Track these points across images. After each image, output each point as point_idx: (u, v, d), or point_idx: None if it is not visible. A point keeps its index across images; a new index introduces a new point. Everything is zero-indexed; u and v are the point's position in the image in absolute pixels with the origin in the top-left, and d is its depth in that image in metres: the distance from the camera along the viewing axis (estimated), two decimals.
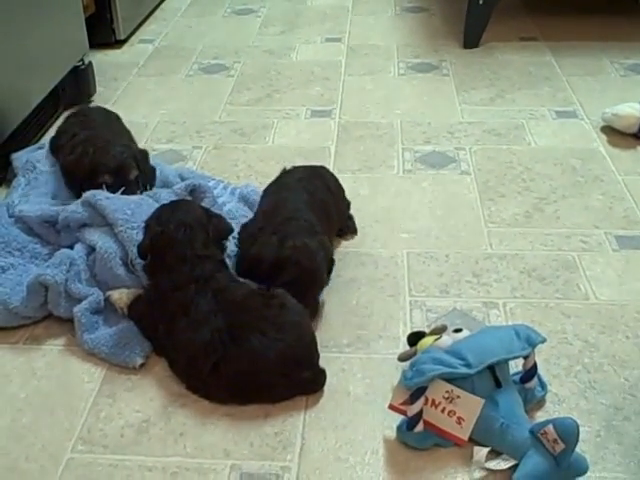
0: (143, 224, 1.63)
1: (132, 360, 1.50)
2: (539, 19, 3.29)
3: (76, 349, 1.57)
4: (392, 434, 1.35)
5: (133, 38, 3.25)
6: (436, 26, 3.30)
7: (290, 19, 3.44)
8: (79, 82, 2.61)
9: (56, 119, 2.51)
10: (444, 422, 1.31)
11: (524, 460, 1.26)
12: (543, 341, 1.39)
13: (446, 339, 1.40)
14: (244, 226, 1.76)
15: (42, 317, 1.65)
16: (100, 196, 1.73)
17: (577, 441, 1.22)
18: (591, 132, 2.39)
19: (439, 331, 1.44)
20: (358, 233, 1.91)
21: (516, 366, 1.43)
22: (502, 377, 1.35)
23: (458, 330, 1.43)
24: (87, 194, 1.75)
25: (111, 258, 1.64)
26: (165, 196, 1.82)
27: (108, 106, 2.48)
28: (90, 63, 2.65)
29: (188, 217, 1.57)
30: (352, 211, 1.95)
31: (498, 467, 1.27)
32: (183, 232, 1.54)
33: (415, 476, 1.29)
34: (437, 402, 1.30)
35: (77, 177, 1.91)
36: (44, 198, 1.90)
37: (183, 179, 2.03)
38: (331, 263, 1.69)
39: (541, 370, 1.44)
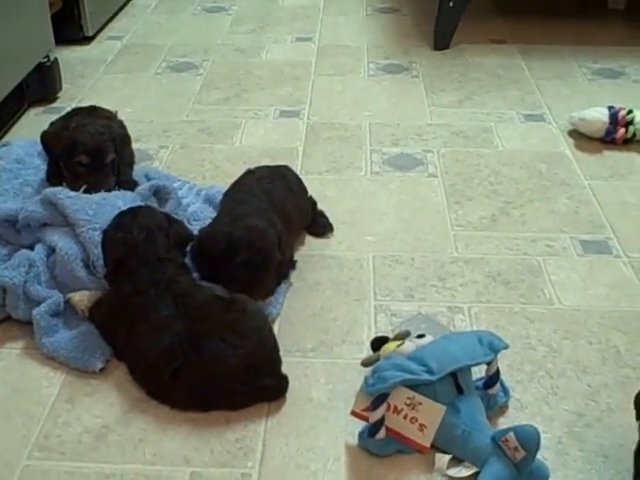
0: (101, 234, 1.60)
1: (92, 364, 1.48)
2: (509, 22, 3.30)
3: (35, 352, 1.54)
4: (354, 441, 1.34)
5: (101, 34, 3.21)
6: (407, 27, 3.30)
7: (261, 18, 3.42)
8: (44, 79, 2.57)
9: (20, 116, 2.47)
10: (406, 429, 1.30)
11: (485, 467, 1.25)
12: (506, 347, 1.39)
13: (409, 345, 1.39)
14: (200, 231, 1.73)
15: None
16: (61, 194, 1.70)
17: (538, 448, 1.22)
18: (558, 136, 2.40)
19: (402, 336, 1.43)
20: (323, 236, 1.90)
21: (479, 372, 1.43)
22: (464, 384, 1.34)
23: (421, 336, 1.42)
24: (48, 192, 1.72)
25: (72, 260, 1.61)
26: (129, 197, 1.79)
27: (74, 104, 2.46)
28: (56, 60, 2.60)
29: (149, 221, 1.55)
30: None
31: (459, 474, 1.27)
32: (145, 236, 1.52)
33: None
34: (399, 409, 1.30)
35: (54, 151, 1.90)
36: (6, 196, 1.86)
37: (149, 179, 2.00)
38: (291, 262, 1.72)
39: (504, 375, 1.44)
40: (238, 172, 1.92)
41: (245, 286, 1.56)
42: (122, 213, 1.61)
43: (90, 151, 1.84)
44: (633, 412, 1.28)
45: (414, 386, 1.29)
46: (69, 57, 2.93)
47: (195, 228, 1.76)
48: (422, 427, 1.29)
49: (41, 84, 2.56)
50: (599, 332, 1.61)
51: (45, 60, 2.55)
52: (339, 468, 1.30)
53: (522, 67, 2.88)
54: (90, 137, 1.86)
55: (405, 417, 1.29)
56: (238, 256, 1.57)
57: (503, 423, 1.38)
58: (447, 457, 1.29)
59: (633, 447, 1.26)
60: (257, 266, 1.58)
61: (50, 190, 1.73)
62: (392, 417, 1.30)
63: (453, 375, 1.33)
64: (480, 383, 1.40)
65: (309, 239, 1.90)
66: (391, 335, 1.49)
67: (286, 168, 1.94)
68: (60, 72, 2.63)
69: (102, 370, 1.49)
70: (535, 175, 2.19)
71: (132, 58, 2.99)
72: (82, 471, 1.29)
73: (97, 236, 1.62)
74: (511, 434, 1.22)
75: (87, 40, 3.11)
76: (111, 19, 3.35)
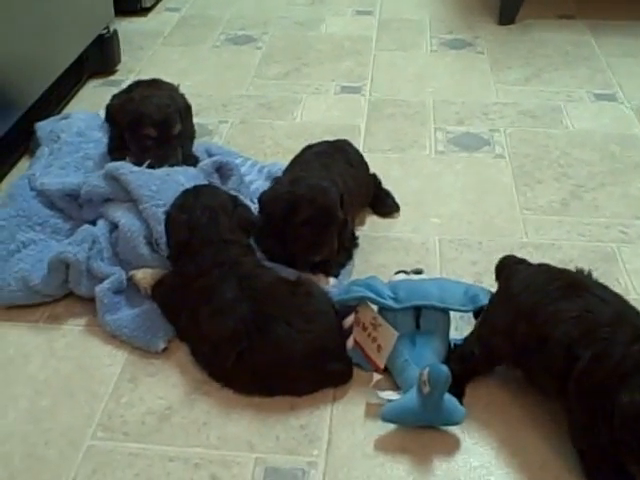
0: (164, 214, 1.57)
1: (155, 344, 1.46)
2: None
3: (97, 330, 1.53)
4: (423, 431, 1.30)
5: (159, 6, 3.18)
6: (471, 1, 3.20)
7: None
8: (104, 51, 2.55)
9: (79, 89, 2.45)
10: (368, 346, 1.39)
11: (402, 395, 1.30)
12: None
13: (401, 276, 1.49)
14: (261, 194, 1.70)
15: (63, 295, 1.60)
16: (124, 169, 1.68)
17: (443, 387, 1.24)
18: (631, 116, 2.30)
19: (414, 272, 1.53)
20: (389, 217, 1.85)
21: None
22: (425, 321, 1.40)
23: (419, 272, 1.52)
24: (110, 166, 1.70)
25: (135, 236, 1.59)
26: (191, 173, 1.76)
27: (132, 76, 2.43)
28: (115, 31, 2.58)
29: (213, 202, 1.52)
30: None
31: (387, 397, 1.31)
32: (208, 217, 1.48)
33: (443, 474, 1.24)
34: (365, 326, 1.40)
35: (120, 124, 1.87)
36: (67, 170, 1.85)
37: (210, 155, 1.98)
38: (353, 237, 1.71)
39: None
40: (299, 149, 1.88)
41: (308, 245, 1.56)
42: (185, 192, 1.57)
43: (157, 123, 1.82)
44: None
45: (382, 309, 1.40)
46: (127, 29, 2.90)
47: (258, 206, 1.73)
48: (379, 348, 1.38)
49: (100, 56, 2.54)
50: None
51: (105, 32, 2.53)
52: (406, 460, 1.26)
53: (592, 44, 2.77)
54: (156, 109, 1.83)
55: (369, 335, 1.39)
56: (300, 214, 1.55)
57: None
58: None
59: None
60: (319, 224, 1.55)
61: (113, 165, 1.71)
62: (359, 332, 1.41)
63: (417, 310, 1.39)
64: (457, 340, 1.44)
65: (373, 220, 1.85)
66: None
67: (346, 142, 1.89)
68: (119, 44, 2.61)
69: (164, 350, 1.47)
70: (607, 157, 2.10)
71: (190, 30, 2.95)
72: (146, 453, 1.28)
73: (160, 213, 1.59)
74: (426, 369, 1.25)
75: (145, 11, 3.09)
76: None
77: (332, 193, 1.59)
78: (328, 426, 1.32)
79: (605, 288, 1.32)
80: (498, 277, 1.44)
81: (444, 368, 1.25)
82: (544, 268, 1.38)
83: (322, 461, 1.26)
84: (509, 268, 1.41)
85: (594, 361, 1.18)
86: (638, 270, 1.68)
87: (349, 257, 1.68)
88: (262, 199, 1.63)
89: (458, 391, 1.32)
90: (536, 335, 1.25)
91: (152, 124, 1.82)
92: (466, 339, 1.40)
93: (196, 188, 1.60)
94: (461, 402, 1.31)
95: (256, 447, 1.28)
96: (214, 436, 1.30)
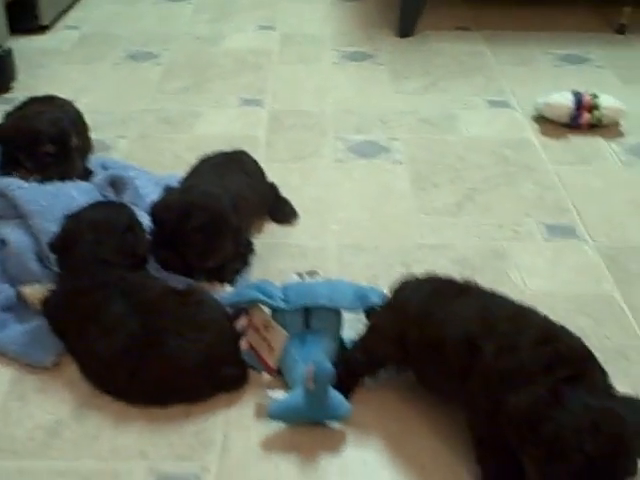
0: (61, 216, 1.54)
1: (44, 360, 1.42)
2: (474, 8, 3.27)
3: None
4: (314, 428, 1.30)
5: (59, 24, 3.13)
6: (371, 14, 3.26)
7: (222, 6, 3.35)
8: None
9: None
10: (261, 347, 1.41)
11: (289, 392, 1.31)
12: (379, 304, 1.41)
13: (294, 277, 1.51)
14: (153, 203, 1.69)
15: None
16: (12, 186, 1.65)
17: (328, 384, 1.26)
18: (523, 121, 2.38)
19: (308, 273, 1.54)
20: (287, 224, 1.86)
21: None
22: (316, 321, 1.41)
23: (312, 273, 1.52)
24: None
25: (24, 252, 1.56)
26: (84, 187, 1.74)
27: (29, 94, 2.37)
28: (10, 50, 2.53)
29: (105, 220, 1.49)
30: None
31: (274, 396, 1.32)
32: (92, 234, 1.46)
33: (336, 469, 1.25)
34: (258, 328, 1.41)
35: (13, 142, 1.81)
36: None
37: (105, 169, 1.95)
38: (248, 244, 1.71)
39: None
40: None
41: (200, 251, 1.55)
42: (90, 205, 1.56)
43: (54, 138, 1.79)
44: None
45: (273, 311, 1.41)
46: (26, 47, 2.85)
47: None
48: (271, 349, 1.39)
49: None
50: (566, 316, 1.56)
51: None
52: (300, 459, 1.26)
53: (487, 53, 2.86)
54: (50, 124, 1.81)
55: (261, 337, 1.40)
56: (191, 221, 1.54)
57: None
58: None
59: None
60: (211, 230, 1.55)
61: (2, 182, 1.67)
62: (252, 334, 1.42)
63: (307, 311, 1.41)
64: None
65: (272, 228, 1.86)
66: None
67: (242, 153, 1.90)
68: (14, 62, 2.55)
69: (54, 365, 1.43)
70: (500, 161, 2.16)
71: (90, 48, 2.92)
72: (35, 469, 1.24)
73: (51, 228, 1.56)
74: (311, 367, 1.26)
75: (43, 29, 3.03)
76: (68, 8, 3.27)
77: (223, 199, 1.59)
78: (223, 430, 1.31)
79: (495, 293, 1.35)
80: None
81: (327, 365, 1.27)
82: (432, 278, 1.41)
83: (215, 466, 1.25)
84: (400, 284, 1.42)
85: (500, 352, 1.19)
86: (528, 266, 1.73)
87: (245, 263, 1.68)
88: (153, 208, 1.62)
89: (343, 393, 1.33)
90: (430, 339, 1.27)
91: (49, 140, 1.79)
92: (354, 344, 1.42)
93: (99, 204, 1.60)
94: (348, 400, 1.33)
95: (148, 455, 1.27)
96: (105, 448, 1.28)
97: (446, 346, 1.25)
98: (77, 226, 1.48)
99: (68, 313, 1.42)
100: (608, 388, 1.18)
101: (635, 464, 1.08)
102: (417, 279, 1.41)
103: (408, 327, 1.31)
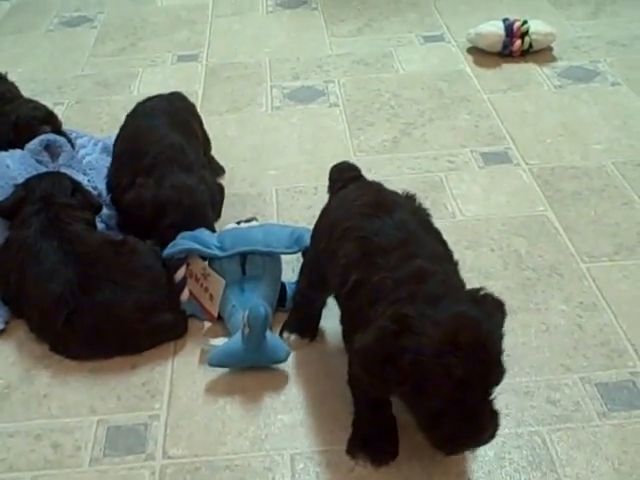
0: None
1: None
2: None
3: None
4: (259, 371, 1.34)
5: None
6: None
7: None
8: None
9: None
10: (202, 296, 1.43)
11: (228, 340, 1.33)
12: None
13: (230, 225, 1.52)
14: (109, 172, 1.71)
15: None
16: None
17: (263, 327, 1.28)
18: (458, 54, 2.39)
19: (245, 221, 1.56)
20: (226, 174, 1.87)
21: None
22: (252, 267, 1.42)
23: (250, 220, 1.55)
24: None
25: None
26: (17, 155, 1.73)
27: None
28: None
29: (53, 187, 1.53)
30: (220, 153, 1.90)
31: (215, 343, 1.35)
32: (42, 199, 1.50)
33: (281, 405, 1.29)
34: (197, 277, 1.44)
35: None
36: None
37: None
38: (221, 190, 1.69)
39: None
40: None
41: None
42: (35, 175, 1.59)
43: (47, 118, 1.82)
44: (534, 312, 1.40)
45: (210, 259, 1.43)
46: None
47: (91, 177, 1.74)
48: (211, 297, 1.41)
49: None
50: (500, 239, 1.63)
51: None
52: (246, 399, 1.30)
53: None
54: (36, 108, 1.84)
55: (201, 286, 1.43)
56: (165, 220, 1.50)
57: None
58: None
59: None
60: (187, 228, 1.49)
61: None
62: (192, 283, 1.44)
63: (243, 257, 1.42)
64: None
65: None
66: None
67: (180, 93, 1.86)
68: None
69: (2, 332, 1.45)
70: (435, 95, 2.18)
71: (22, 17, 2.88)
72: None
73: None
74: (246, 312, 1.28)
75: None
76: None
77: (199, 193, 1.54)
78: (169, 379, 1.35)
79: (415, 215, 1.23)
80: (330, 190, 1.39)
81: (262, 309, 1.28)
82: (362, 184, 1.34)
83: (164, 413, 1.29)
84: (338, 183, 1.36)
85: (356, 286, 1.12)
86: (463, 194, 1.77)
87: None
88: (126, 204, 1.57)
89: (310, 333, 1.36)
90: (330, 251, 1.21)
91: (44, 122, 1.82)
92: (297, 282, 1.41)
93: (43, 174, 1.61)
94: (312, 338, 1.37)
95: (98, 410, 1.30)
96: (55, 406, 1.31)
97: (334, 263, 1.19)
98: (26, 192, 1.52)
99: (10, 258, 1.44)
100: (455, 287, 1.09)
101: (502, 366, 1.02)
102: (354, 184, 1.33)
103: (321, 237, 1.27)
